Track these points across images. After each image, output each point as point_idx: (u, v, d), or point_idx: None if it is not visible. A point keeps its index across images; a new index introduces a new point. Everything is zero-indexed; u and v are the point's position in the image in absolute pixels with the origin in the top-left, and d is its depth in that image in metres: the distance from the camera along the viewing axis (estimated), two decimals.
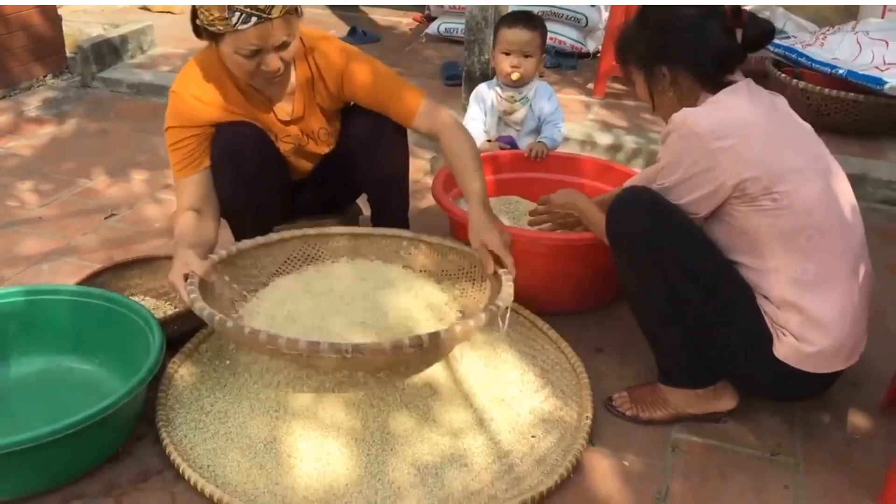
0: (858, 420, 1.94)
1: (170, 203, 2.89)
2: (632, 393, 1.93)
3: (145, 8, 5.45)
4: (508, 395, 1.90)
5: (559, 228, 2.22)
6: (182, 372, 1.95)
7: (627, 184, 2.18)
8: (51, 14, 4.23)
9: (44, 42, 4.21)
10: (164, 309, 2.24)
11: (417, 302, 1.96)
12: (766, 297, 1.71)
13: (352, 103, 2.18)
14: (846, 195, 1.74)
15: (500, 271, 1.88)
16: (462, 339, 1.74)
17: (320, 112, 2.15)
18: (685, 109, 1.71)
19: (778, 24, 4.19)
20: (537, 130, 2.82)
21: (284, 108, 2.12)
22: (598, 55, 4.32)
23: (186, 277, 1.81)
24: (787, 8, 4.43)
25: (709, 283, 1.72)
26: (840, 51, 3.68)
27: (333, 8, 5.60)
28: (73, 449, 1.60)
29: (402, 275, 2.10)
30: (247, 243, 2.04)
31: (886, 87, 3.35)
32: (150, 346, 1.77)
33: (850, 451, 1.84)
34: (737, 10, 1.72)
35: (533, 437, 1.80)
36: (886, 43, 3.61)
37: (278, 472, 1.66)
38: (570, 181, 2.62)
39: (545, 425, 1.84)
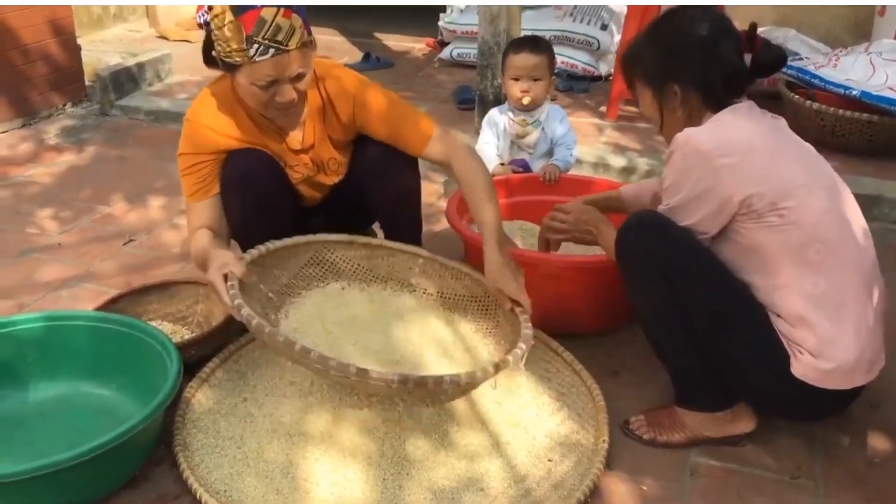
0: (879, 442, 1.92)
1: (186, 229, 2.92)
2: (649, 416, 1.92)
3: (163, 37, 5.53)
4: (524, 418, 1.89)
5: (575, 242, 2.21)
6: (199, 396, 1.96)
7: (626, 187, 2.18)
8: (70, 44, 4.30)
9: (63, 71, 4.28)
10: (182, 334, 2.26)
11: (427, 337, 1.99)
12: (779, 316, 1.70)
13: (362, 134, 2.18)
14: (853, 210, 1.74)
15: (517, 310, 1.88)
16: (479, 383, 1.74)
17: (331, 142, 2.17)
18: (688, 129, 1.72)
19: (791, 46, 4.20)
20: (550, 153, 2.84)
21: (296, 137, 2.13)
22: (610, 78, 4.34)
23: (226, 278, 1.79)
24: (799, 30, 4.45)
25: (720, 304, 1.72)
26: (853, 72, 3.68)
27: (347, 35, 5.66)
28: (91, 474, 1.61)
29: (414, 306, 2.11)
30: (276, 244, 2.03)
31: None
32: (168, 370, 1.78)
33: (871, 474, 1.82)
34: (752, 34, 1.74)
35: (549, 460, 1.80)
36: None
37: (295, 497, 1.66)
38: None
39: (562, 449, 1.83)
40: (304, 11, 1.89)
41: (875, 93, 3.47)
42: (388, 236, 2.33)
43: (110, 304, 2.19)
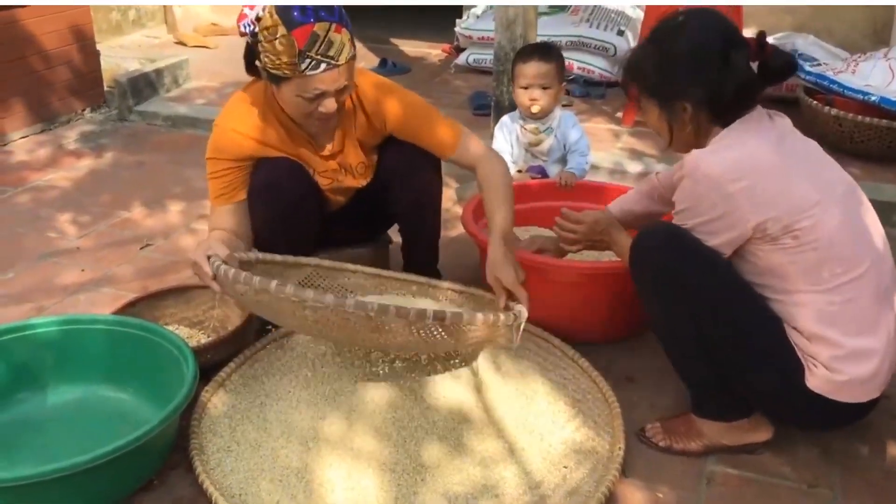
0: None
1: (204, 233, 2.93)
2: (665, 424, 1.91)
3: (181, 43, 5.57)
4: (539, 424, 1.89)
5: (588, 249, 2.21)
6: (215, 401, 1.96)
7: (611, 206, 2.17)
8: (90, 49, 4.34)
9: (82, 77, 4.32)
10: (198, 338, 2.27)
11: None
12: (794, 329, 1.69)
13: (389, 136, 2.19)
14: (868, 216, 1.71)
15: (512, 304, 1.87)
16: (483, 327, 1.69)
17: (359, 145, 2.18)
18: (695, 153, 1.69)
19: (809, 52, 4.17)
20: (564, 159, 2.83)
21: (326, 143, 2.14)
22: None
23: (209, 258, 1.80)
24: (818, 36, 4.42)
25: (735, 315, 1.70)
26: (872, 77, 3.65)
27: (364, 40, 5.68)
28: (107, 478, 1.62)
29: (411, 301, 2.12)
30: (268, 256, 2.04)
31: None
32: (184, 374, 1.79)
33: (889, 484, 1.80)
34: (762, 42, 1.71)
35: (565, 467, 1.79)
36: None
37: (310, 501, 1.66)
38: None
39: (577, 456, 1.82)
40: (350, 24, 1.90)
41: (894, 98, 3.44)
42: (405, 238, 2.34)
43: (127, 308, 2.21)
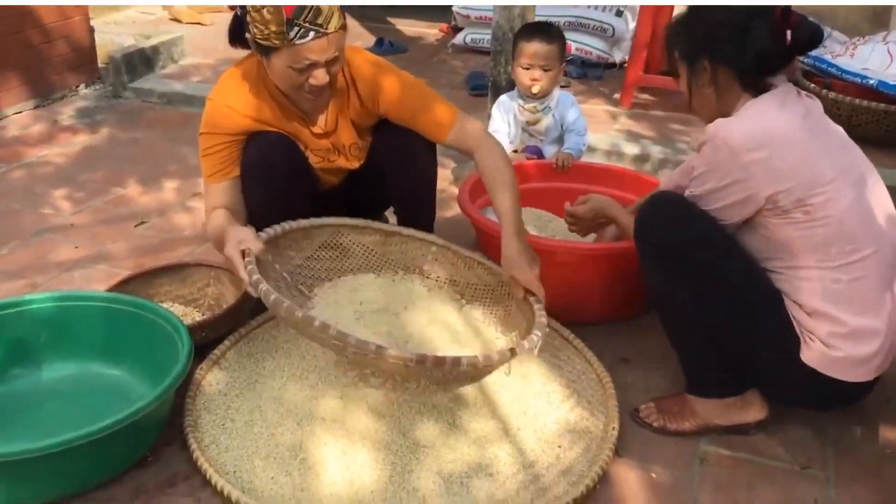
0: (891, 434, 1.91)
1: (199, 211, 2.92)
2: (659, 404, 1.92)
3: (175, 19, 5.53)
4: (534, 404, 1.89)
5: (589, 233, 2.22)
6: (209, 378, 1.96)
7: (665, 179, 2.16)
8: (84, 25, 4.30)
9: (77, 53, 4.28)
10: (193, 316, 2.26)
11: (437, 322, 1.99)
12: (795, 303, 1.69)
13: (383, 118, 2.17)
14: (881, 202, 1.71)
15: (531, 299, 1.88)
16: (496, 367, 1.74)
17: (352, 126, 2.16)
18: (719, 120, 1.70)
19: None
20: (561, 139, 2.82)
21: (318, 121, 2.13)
22: (625, 65, 4.31)
23: (243, 255, 1.80)
24: (816, 19, 4.39)
25: (736, 288, 1.71)
26: (871, 61, 3.65)
27: (361, 19, 5.64)
28: (101, 453, 1.62)
29: (424, 293, 2.12)
30: (291, 224, 2.03)
31: None
32: (179, 352, 1.79)
33: (883, 466, 1.81)
34: (787, 10, 1.69)
35: (559, 447, 1.80)
36: None
37: (304, 479, 1.67)
38: (597, 191, 2.60)
39: (571, 436, 1.83)
40: None
41: (892, 82, 3.44)
42: (402, 222, 2.33)
43: (122, 286, 2.20)
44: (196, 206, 3.03)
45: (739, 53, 1.69)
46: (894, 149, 3.49)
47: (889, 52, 3.66)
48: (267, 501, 1.62)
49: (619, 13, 4.66)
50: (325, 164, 2.19)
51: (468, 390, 1.84)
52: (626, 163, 3.41)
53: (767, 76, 1.72)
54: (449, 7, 5.16)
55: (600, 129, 3.64)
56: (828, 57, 3.74)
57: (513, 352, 1.69)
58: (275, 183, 2.05)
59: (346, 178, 2.29)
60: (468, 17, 4.96)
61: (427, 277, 2.18)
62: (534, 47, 2.69)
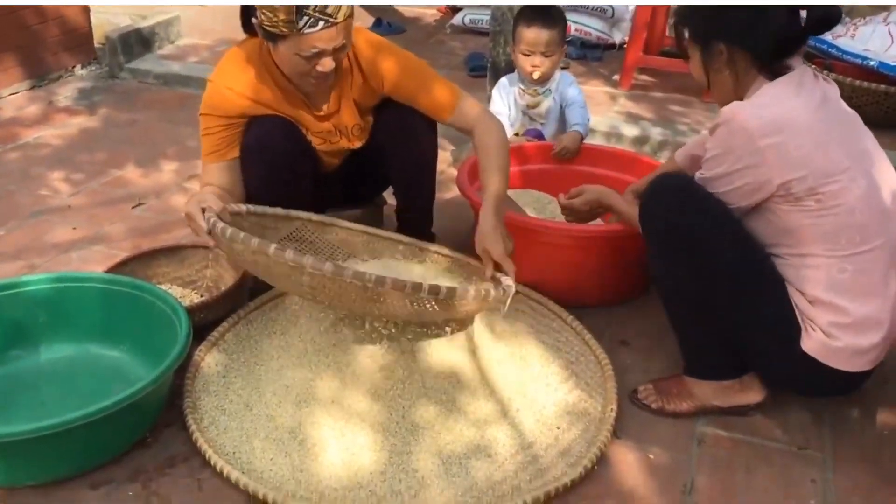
0: (888, 416, 1.91)
1: (196, 192, 2.91)
2: (657, 385, 1.92)
3: None
4: (533, 386, 1.89)
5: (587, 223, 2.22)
6: (208, 360, 1.96)
7: (679, 152, 2.14)
8: (80, 5, 4.27)
9: (73, 33, 4.25)
10: (191, 297, 2.26)
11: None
12: (799, 291, 1.69)
13: (385, 97, 2.16)
14: (891, 191, 1.70)
15: (499, 275, 1.86)
16: (474, 301, 1.69)
17: (354, 106, 2.15)
18: (735, 103, 1.68)
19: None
20: (562, 117, 2.80)
21: (321, 104, 2.12)
22: (625, 46, 4.29)
23: (203, 212, 1.79)
24: None
25: (740, 273, 1.70)
26: (871, 42, 3.62)
27: None
28: (100, 435, 1.62)
29: (396, 266, 2.12)
30: (257, 208, 2.03)
31: None
32: (178, 333, 1.79)
33: (880, 447, 1.82)
34: None
35: (557, 428, 1.80)
36: None
37: (303, 460, 1.67)
38: (597, 173, 2.60)
39: (569, 417, 1.84)
40: None
41: (893, 63, 3.42)
42: (400, 201, 2.33)
43: (120, 267, 2.20)
44: (193, 187, 3.02)
45: (757, 35, 1.66)
46: (894, 130, 3.47)
47: (890, 33, 3.63)
48: (266, 482, 1.63)
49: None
50: (326, 146, 2.18)
51: (467, 371, 1.84)
52: (626, 144, 3.40)
53: (785, 58, 1.69)
54: None
55: (600, 111, 3.63)
56: (828, 37, 3.71)
57: (496, 281, 1.66)
58: (276, 166, 2.05)
59: (347, 158, 2.28)
60: None
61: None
62: (534, 33, 2.65)
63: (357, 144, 2.22)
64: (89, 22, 4.36)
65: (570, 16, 4.45)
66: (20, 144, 3.41)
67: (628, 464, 1.75)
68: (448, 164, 3.25)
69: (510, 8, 3.40)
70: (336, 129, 2.16)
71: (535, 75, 2.69)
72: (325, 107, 2.12)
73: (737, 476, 1.73)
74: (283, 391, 1.80)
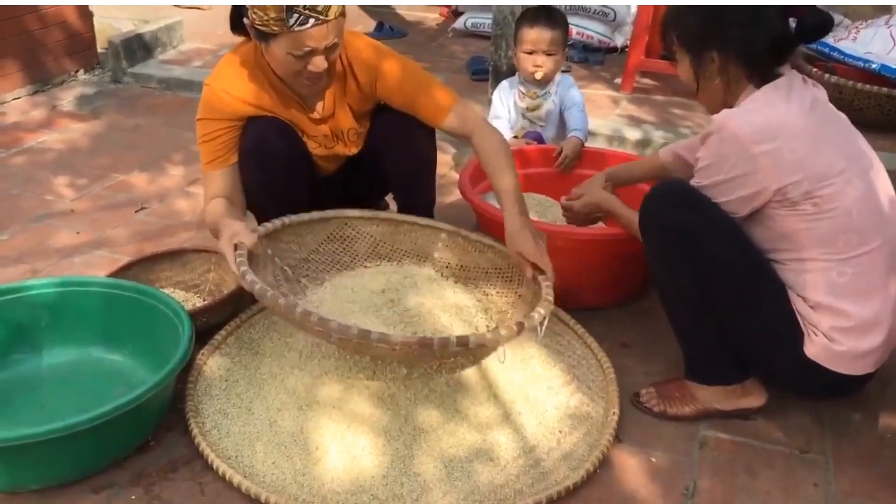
0: (890, 419, 1.91)
1: (199, 197, 2.92)
2: (659, 389, 1.92)
3: (174, 4, 5.49)
4: (535, 390, 1.90)
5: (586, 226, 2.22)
6: (210, 364, 1.97)
7: (665, 149, 2.15)
8: (83, 10, 4.28)
9: (76, 38, 4.26)
10: (194, 301, 2.26)
11: (444, 306, 1.96)
12: (800, 296, 1.69)
13: (381, 103, 2.16)
14: (887, 192, 1.70)
15: (540, 277, 1.86)
16: (503, 342, 1.71)
17: (350, 111, 2.15)
18: (726, 111, 1.68)
19: None
20: (561, 119, 2.80)
21: (316, 106, 2.12)
22: (626, 50, 4.29)
23: (235, 248, 1.80)
24: (820, 2, 4.37)
25: (741, 277, 1.70)
26: (873, 45, 3.62)
27: (360, 3, 5.61)
28: (103, 438, 1.62)
29: (434, 276, 2.11)
30: (293, 218, 2.03)
31: None
32: (180, 337, 1.79)
33: (882, 450, 1.82)
34: None
35: (560, 432, 1.80)
36: None
37: (305, 464, 1.67)
38: None
39: (571, 421, 1.84)
40: None
41: (894, 66, 3.42)
42: (402, 207, 2.33)
43: (123, 271, 2.20)
44: (196, 191, 3.02)
45: (750, 43, 1.67)
46: (895, 133, 3.47)
47: (892, 36, 3.63)
48: (268, 486, 1.63)
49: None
50: (323, 150, 2.18)
51: (469, 376, 1.84)
52: (628, 147, 3.40)
53: (776, 65, 1.70)
54: None
55: (602, 114, 3.63)
56: (830, 40, 3.72)
57: (520, 326, 1.65)
58: (273, 169, 2.05)
59: (345, 164, 2.28)
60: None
61: (438, 264, 2.17)
62: (536, 33, 2.66)
63: (353, 150, 2.22)
64: (92, 27, 4.37)
65: (571, 19, 4.44)
66: (24, 149, 3.42)
67: (630, 467, 1.75)
68: (450, 167, 3.25)
69: (512, 11, 3.41)
70: (333, 134, 2.17)
71: (538, 75, 2.70)
72: (319, 106, 2.12)
73: (739, 479, 1.73)
74: (285, 395, 1.81)
